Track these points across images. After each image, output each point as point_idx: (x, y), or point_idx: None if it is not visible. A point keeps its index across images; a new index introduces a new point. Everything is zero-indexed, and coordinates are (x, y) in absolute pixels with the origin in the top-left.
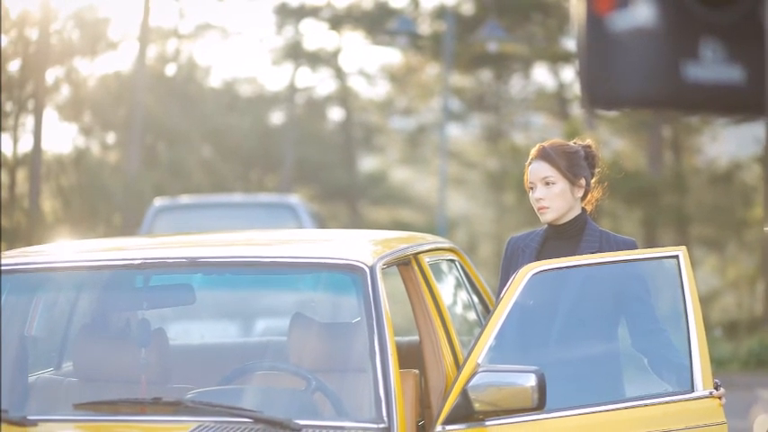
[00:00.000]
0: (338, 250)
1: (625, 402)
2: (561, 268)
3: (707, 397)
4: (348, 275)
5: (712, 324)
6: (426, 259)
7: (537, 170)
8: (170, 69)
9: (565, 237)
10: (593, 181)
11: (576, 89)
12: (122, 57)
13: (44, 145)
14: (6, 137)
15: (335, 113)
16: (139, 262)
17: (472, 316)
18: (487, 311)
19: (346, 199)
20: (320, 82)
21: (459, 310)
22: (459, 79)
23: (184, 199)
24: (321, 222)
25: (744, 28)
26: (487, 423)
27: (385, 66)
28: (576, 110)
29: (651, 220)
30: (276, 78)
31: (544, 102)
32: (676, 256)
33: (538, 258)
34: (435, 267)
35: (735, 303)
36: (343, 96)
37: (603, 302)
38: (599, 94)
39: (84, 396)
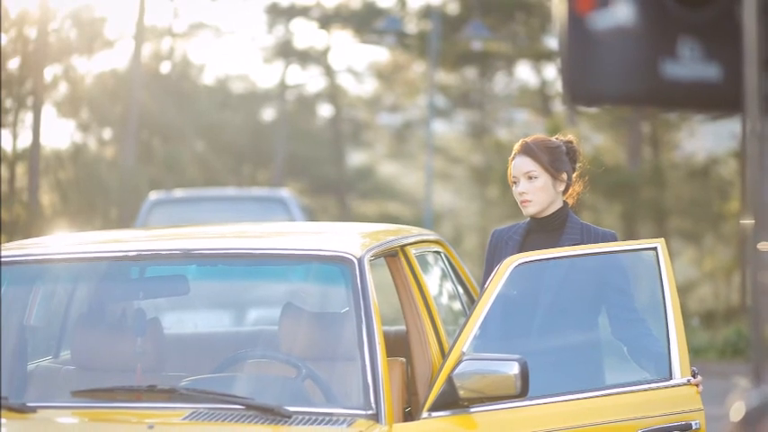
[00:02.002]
0: (328, 242)
1: (605, 390)
2: (543, 260)
3: (684, 384)
4: (337, 267)
5: (690, 314)
6: (413, 251)
7: (520, 165)
8: (165, 67)
9: (547, 229)
10: (574, 175)
11: (558, 86)
12: (118, 55)
13: (43, 140)
14: (6, 132)
15: (325, 110)
16: (135, 254)
17: (457, 306)
18: (472, 302)
19: (335, 193)
20: (310, 79)
21: (444, 300)
22: (444, 77)
23: (179, 193)
24: (311, 215)
25: (720, 27)
26: (472, 410)
27: (373, 64)
28: (558, 106)
29: (630, 213)
30: (267, 76)
31: (527, 99)
32: (655, 248)
33: (521, 250)
34: (421, 259)
35: (712, 294)
36: (333, 93)
37: (584, 293)
38: (580, 91)
39: (82, 383)
